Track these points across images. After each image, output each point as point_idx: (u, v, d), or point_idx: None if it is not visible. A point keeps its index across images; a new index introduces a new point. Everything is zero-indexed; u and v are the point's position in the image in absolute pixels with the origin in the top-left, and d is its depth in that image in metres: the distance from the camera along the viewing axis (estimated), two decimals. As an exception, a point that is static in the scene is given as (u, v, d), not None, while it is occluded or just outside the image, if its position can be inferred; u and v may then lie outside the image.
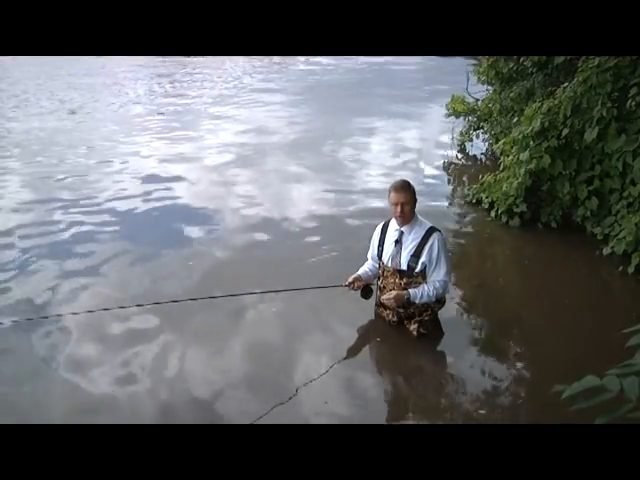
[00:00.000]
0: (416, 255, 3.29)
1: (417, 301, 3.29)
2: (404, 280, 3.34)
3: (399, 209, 3.25)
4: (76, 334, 3.50)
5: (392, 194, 3.29)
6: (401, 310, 3.40)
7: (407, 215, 3.28)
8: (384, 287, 3.47)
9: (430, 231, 3.30)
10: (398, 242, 3.35)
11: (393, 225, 3.42)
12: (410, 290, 3.28)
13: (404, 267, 3.33)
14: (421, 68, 16.03)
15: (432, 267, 3.28)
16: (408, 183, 3.34)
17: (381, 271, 3.48)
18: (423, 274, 3.31)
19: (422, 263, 3.28)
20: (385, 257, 3.42)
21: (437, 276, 3.29)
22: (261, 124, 9.58)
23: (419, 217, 3.37)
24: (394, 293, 3.29)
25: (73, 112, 9.84)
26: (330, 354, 3.28)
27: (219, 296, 3.63)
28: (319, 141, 8.54)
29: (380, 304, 3.54)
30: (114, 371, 3.16)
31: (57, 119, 9.80)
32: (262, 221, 5.41)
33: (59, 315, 3.65)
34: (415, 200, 3.32)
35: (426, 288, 3.27)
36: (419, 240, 3.29)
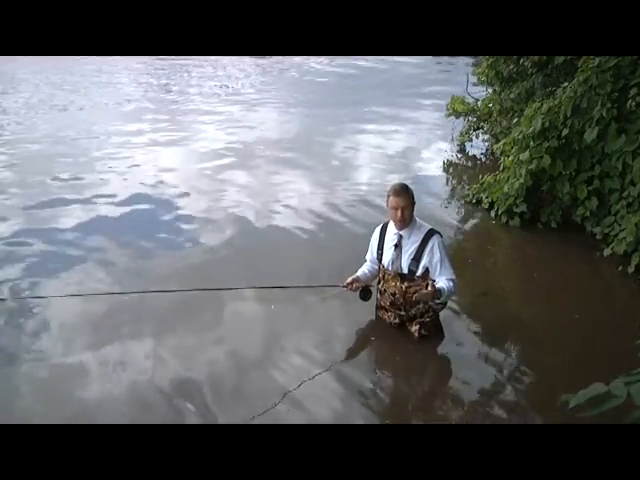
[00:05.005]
0: (416, 259, 3.27)
1: (442, 298, 3.20)
2: (405, 284, 3.32)
3: (399, 213, 3.22)
4: (57, 319, 3.58)
5: (391, 198, 3.26)
6: (402, 313, 3.40)
7: (407, 219, 3.25)
8: (385, 290, 3.45)
9: (429, 234, 3.28)
10: (397, 246, 3.33)
11: (392, 228, 3.39)
12: (442, 286, 3.16)
13: (405, 271, 3.32)
14: (420, 69, 16.00)
15: (438, 269, 3.24)
16: (406, 186, 3.32)
17: (381, 275, 3.47)
18: (424, 277, 3.29)
19: (423, 266, 3.26)
20: (385, 261, 3.41)
21: (446, 275, 3.23)
22: (256, 123, 9.56)
23: (417, 220, 3.35)
24: (431, 290, 3.13)
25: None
26: (330, 354, 3.28)
27: (211, 289, 3.64)
28: (315, 140, 8.51)
29: (381, 307, 3.53)
30: (97, 366, 3.16)
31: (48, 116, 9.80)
32: (258, 218, 5.39)
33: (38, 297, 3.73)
34: (414, 203, 3.30)
35: (446, 284, 3.18)
36: (419, 244, 3.27)
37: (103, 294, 3.75)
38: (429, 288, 3.14)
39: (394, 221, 3.31)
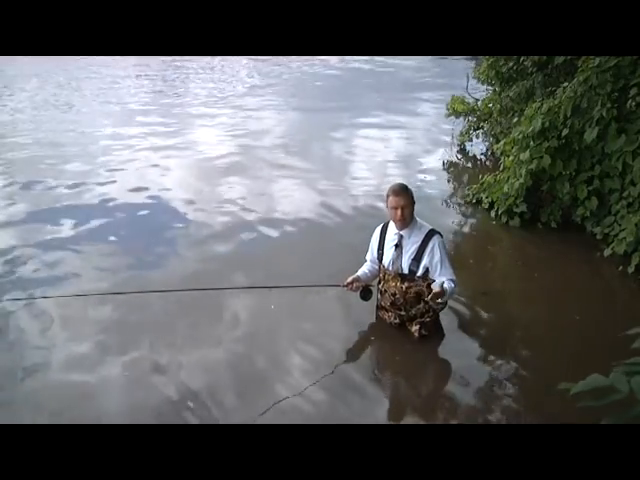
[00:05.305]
0: (417, 259, 3.27)
1: (444, 297, 3.19)
2: (405, 284, 3.32)
3: (399, 213, 3.22)
4: (56, 319, 3.60)
5: (391, 198, 3.26)
6: (403, 313, 3.39)
7: (407, 218, 3.26)
8: (385, 291, 3.45)
9: (430, 234, 3.28)
10: (398, 246, 3.32)
11: (392, 228, 3.39)
12: (445, 286, 3.14)
13: (405, 271, 3.32)
14: (421, 70, 16.02)
15: (438, 269, 3.23)
16: (405, 186, 3.32)
17: (382, 275, 3.47)
18: (424, 277, 3.29)
19: (423, 267, 3.26)
20: (385, 261, 3.41)
21: (447, 276, 3.22)
22: (259, 124, 9.56)
23: (418, 220, 3.35)
24: (439, 289, 3.10)
25: None
26: (330, 354, 3.27)
27: (211, 289, 3.65)
28: (318, 141, 8.51)
29: (381, 307, 3.53)
30: (98, 366, 3.17)
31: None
32: (255, 218, 5.39)
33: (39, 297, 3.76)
34: (414, 202, 3.30)
35: (447, 284, 3.15)
36: (419, 244, 3.27)
37: (106, 294, 3.75)
38: (437, 288, 3.12)
39: (394, 221, 3.31)
